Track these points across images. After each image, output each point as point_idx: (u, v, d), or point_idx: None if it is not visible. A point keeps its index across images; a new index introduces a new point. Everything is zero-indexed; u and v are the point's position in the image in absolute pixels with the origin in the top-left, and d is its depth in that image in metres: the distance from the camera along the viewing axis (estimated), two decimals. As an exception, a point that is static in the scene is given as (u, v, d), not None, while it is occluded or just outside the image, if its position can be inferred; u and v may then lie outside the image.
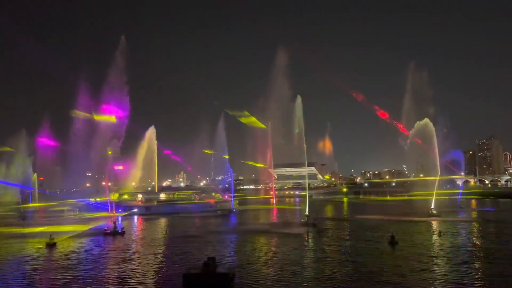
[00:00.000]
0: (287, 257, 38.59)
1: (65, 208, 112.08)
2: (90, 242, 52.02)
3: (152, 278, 30.85)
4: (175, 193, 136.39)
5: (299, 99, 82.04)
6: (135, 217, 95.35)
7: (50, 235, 49.62)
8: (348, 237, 53.53)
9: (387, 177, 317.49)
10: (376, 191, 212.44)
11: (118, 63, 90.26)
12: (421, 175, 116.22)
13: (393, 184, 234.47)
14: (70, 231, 60.65)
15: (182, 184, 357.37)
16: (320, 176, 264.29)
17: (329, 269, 32.70)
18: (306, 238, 51.86)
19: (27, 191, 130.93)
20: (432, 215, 77.81)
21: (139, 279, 30.53)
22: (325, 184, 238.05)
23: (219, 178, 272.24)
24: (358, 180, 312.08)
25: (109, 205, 74.63)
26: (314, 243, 48.61)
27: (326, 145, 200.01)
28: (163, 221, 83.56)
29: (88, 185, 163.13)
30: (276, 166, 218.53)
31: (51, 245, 47.00)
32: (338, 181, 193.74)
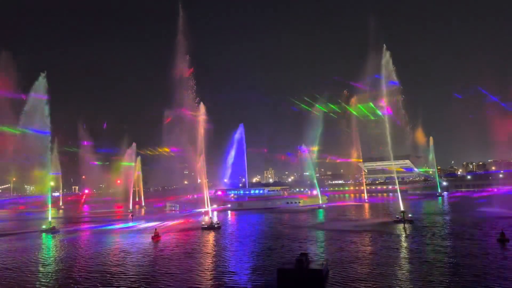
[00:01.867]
0: (380, 255, 37.20)
1: (168, 204, 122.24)
2: (189, 236, 56.06)
3: (247, 272, 32.19)
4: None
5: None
6: (229, 212, 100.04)
7: (155, 230, 54.68)
8: (449, 235, 49.71)
9: (493, 168, 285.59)
10: (481, 183, 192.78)
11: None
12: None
13: (501, 175, 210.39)
14: (172, 225, 66.02)
15: (270, 180, 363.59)
16: (415, 169, 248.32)
17: (426, 270, 30.60)
18: (402, 236, 49.43)
19: (133, 189, 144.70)
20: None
21: (235, 272, 32.15)
22: (422, 178, 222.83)
23: (307, 173, 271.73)
24: (459, 173, 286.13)
25: (205, 201, 79.19)
26: (411, 241, 46.05)
27: (421, 136, 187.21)
28: (254, 217, 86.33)
29: (185, 182, 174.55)
30: (366, 160, 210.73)
31: (156, 239, 51.75)
32: (437, 174, 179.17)
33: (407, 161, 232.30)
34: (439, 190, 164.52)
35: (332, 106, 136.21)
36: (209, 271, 33.15)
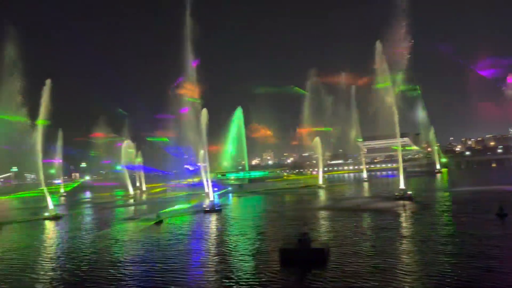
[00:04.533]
0: (380, 233, 37.53)
1: (168, 188, 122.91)
2: (191, 219, 56.48)
3: (250, 252, 32.52)
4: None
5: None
6: (230, 195, 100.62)
7: (157, 214, 55.00)
8: (448, 211, 50.16)
9: (491, 143, 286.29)
10: (480, 159, 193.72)
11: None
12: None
13: (499, 151, 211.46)
14: (174, 210, 66.41)
15: (270, 162, 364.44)
16: (414, 146, 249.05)
17: (427, 249, 30.44)
18: (402, 213, 49.85)
19: (134, 173, 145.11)
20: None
21: (238, 252, 32.56)
22: (421, 155, 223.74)
23: (306, 154, 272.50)
24: (458, 149, 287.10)
25: (206, 184, 79.63)
26: (410, 218, 46.50)
27: (419, 113, 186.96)
28: (255, 199, 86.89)
29: (186, 166, 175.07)
30: (365, 139, 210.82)
31: (158, 223, 52.11)
32: (435, 151, 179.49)
33: (406, 139, 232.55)
34: (438, 167, 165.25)
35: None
36: (212, 253, 33.51)
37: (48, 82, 71.86)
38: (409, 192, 63.55)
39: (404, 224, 43.11)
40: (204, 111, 71.07)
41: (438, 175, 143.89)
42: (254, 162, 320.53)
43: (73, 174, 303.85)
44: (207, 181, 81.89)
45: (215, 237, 41.60)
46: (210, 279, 25.29)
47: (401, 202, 58.47)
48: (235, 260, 29.98)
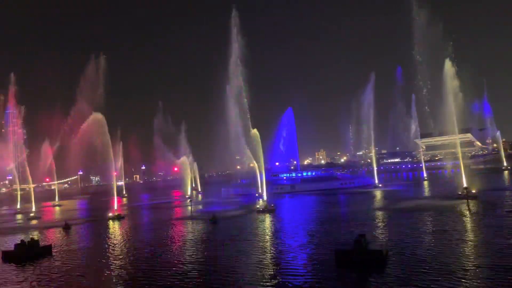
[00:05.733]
0: (442, 235, 35.66)
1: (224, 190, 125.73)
2: (245, 219, 57.35)
3: (305, 254, 32.38)
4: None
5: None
6: (282, 195, 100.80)
7: (213, 214, 56.54)
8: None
9: None
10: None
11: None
12: None
13: None
14: (229, 209, 67.87)
15: (322, 162, 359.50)
16: (478, 143, 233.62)
17: (492, 252, 28.53)
18: (465, 214, 47.01)
19: (190, 175, 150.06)
20: None
21: (292, 253, 32.48)
22: (485, 152, 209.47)
23: (360, 153, 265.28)
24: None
25: (258, 184, 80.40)
26: (474, 219, 43.69)
27: (484, 107, 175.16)
28: (308, 199, 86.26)
29: (238, 167, 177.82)
30: (424, 135, 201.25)
31: (214, 222, 53.53)
32: (502, 147, 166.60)
33: (469, 135, 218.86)
34: (505, 164, 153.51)
35: None
36: (267, 253, 33.75)
37: None
38: (473, 191, 59.86)
39: (467, 226, 40.58)
40: (255, 132, 73.32)
41: (505, 172, 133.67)
42: (306, 161, 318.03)
43: (134, 175, 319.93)
44: (260, 181, 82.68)
45: (268, 238, 41.85)
46: (265, 280, 25.48)
47: (465, 201, 55.23)
48: (289, 262, 29.93)
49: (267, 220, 54.88)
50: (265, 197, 68.72)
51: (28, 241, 38.39)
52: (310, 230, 44.52)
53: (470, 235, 35.63)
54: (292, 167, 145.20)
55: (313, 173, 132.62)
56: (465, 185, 62.06)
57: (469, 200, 55.82)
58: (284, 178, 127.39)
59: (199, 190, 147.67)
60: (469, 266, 25.12)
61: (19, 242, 38.65)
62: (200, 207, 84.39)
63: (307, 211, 65.37)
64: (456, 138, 78.29)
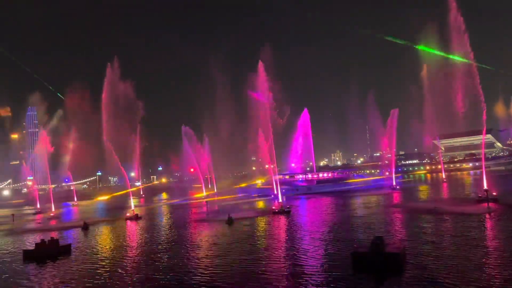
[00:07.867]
0: (461, 238, 34.92)
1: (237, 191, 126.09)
2: (260, 221, 57.27)
3: (321, 255, 32.17)
4: None
5: None
6: (298, 196, 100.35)
7: (228, 215, 56.64)
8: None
9: None
10: None
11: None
12: None
13: None
14: (243, 211, 67.86)
15: (338, 163, 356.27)
16: (499, 144, 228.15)
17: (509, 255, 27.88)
18: (485, 216, 45.89)
19: (206, 175, 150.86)
20: None
21: (307, 255, 32.30)
22: (506, 153, 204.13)
23: (377, 154, 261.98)
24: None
25: (273, 185, 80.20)
26: (495, 222, 42.57)
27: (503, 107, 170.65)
28: (324, 200, 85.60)
29: (254, 168, 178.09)
30: (443, 136, 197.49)
31: (229, 224, 53.63)
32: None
33: (489, 136, 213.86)
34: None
35: None
36: (283, 254, 33.66)
37: None
38: (493, 194, 58.40)
39: (487, 230, 39.67)
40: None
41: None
42: (322, 163, 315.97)
43: (151, 176, 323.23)
44: (275, 182, 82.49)
45: (284, 239, 41.73)
46: (280, 283, 25.38)
47: (485, 204, 53.94)
48: (305, 264, 29.78)
49: (282, 221, 54.70)
50: (280, 199, 68.50)
51: (48, 241, 39.30)
52: (325, 231, 44.18)
53: (490, 241, 34.77)
54: (308, 168, 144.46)
55: (329, 174, 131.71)
56: (485, 187, 60.63)
57: (489, 203, 54.50)
58: (300, 179, 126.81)
59: (215, 191, 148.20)
60: (490, 276, 24.10)
61: (39, 241, 39.61)
62: (216, 208, 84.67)
63: (323, 213, 64.89)
64: (476, 139, 76.57)
